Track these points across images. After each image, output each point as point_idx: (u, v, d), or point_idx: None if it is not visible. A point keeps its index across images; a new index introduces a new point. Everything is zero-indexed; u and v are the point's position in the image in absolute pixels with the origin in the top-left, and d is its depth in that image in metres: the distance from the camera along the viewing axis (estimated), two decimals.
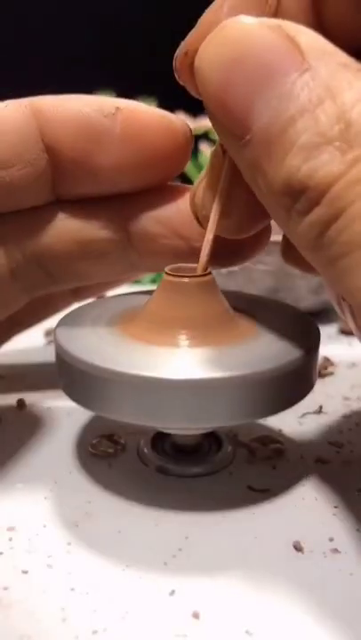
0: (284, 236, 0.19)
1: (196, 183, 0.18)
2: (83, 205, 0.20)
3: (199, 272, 0.19)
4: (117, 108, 0.18)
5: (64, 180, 0.19)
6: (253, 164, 0.14)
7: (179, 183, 0.20)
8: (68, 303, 0.28)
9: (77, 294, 0.28)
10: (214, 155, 0.17)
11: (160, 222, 0.20)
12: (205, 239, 0.18)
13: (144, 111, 0.18)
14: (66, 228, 0.20)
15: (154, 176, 0.19)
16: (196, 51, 0.15)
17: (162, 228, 0.20)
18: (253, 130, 0.14)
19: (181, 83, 0.17)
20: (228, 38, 0.14)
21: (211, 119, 0.16)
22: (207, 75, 0.15)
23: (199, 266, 0.19)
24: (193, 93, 0.17)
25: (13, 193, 0.18)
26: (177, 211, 0.20)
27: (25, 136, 0.18)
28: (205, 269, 0.19)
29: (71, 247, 0.20)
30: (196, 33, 0.16)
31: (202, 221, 0.18)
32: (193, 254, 0.19)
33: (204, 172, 0.18)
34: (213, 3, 0.16)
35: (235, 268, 0.35)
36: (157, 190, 0.20)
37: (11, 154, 0.18)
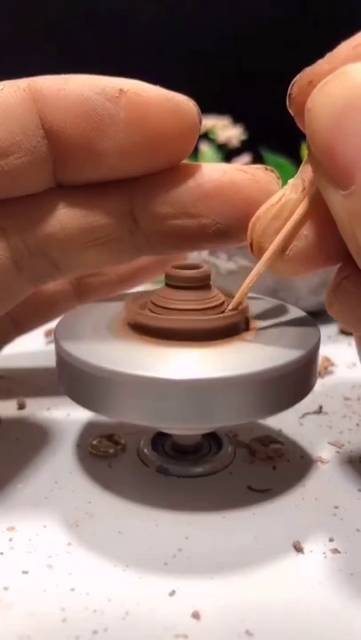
0: (331, 290, 0.18)
1: (263, 208, 0.18)
2: (86, 191, 0.19)
3: (234, 303, 0.19)
4: (121, 91, 0.17)
5: (65, 167, 0.18)
6: (355, 214, 0.14)
7: (186, 162, 0.19)
8: (72, 306, 0.28)
9: (81, 297, 0.28)
10: (292, 188, 0.17)
11: (168, 203, 0.19)
12: (254, 270, 0.18)
13: (149, 93, 0.17)
14: (69, 215, 0.19)
15: (160, 160, 0.18)
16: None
17: (170, 209, 0.19)
18: (359, 182, 0.14)
19: (291, 111, 0.17)
20: (348, 84, 0.14)
21: (312, 160, 0.16)
22: (318, 116, 0.15)
23: (238, 295, 0.19)
24: (301, 126, 0.17)
25: (12, 181, 0.18)
26: (186, 189, 0.19)
27: (24, 122, 0.17)
28: (240, 303, 0.19)
29: (76, 235, 0.19)
30: (326, 65, 0.16)
31: (255, 248, 0.18)
32: (202, 232, 0.19)
33: (274, 198, 0.17)
34: (355, 36, 0.15)
35: (234, 268, 0.35)
36: (164, 171, 0.19)
37: (9, 142, 0.17)
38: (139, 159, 0.18)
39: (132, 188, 0.19)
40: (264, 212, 0.18)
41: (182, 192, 0.19)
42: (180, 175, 0.19)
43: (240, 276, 0.35)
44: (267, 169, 0.19)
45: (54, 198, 0.19)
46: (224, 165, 0.19)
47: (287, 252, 0.17)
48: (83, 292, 0.28)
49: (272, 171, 0.19)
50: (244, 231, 0.19)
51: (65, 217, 0.19)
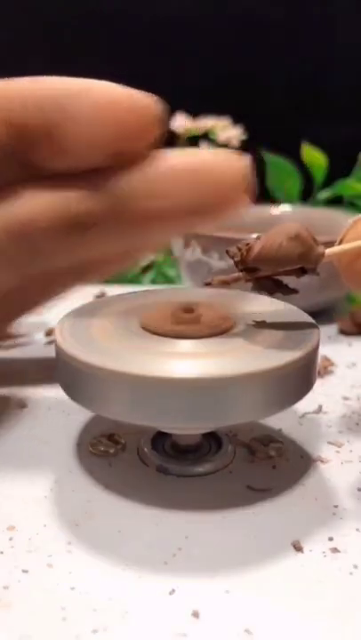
0: None
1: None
2: (62, 179, 0.20)
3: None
4: (87, 90, 0.19)
5: (34, 160, 0.19)
6: None
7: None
8: (70, 285, 0.28)
9: (80, 276, 0.28)
10: None
11: (142, 186, 0.20)
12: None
13: (112, 91, 0.19)
14: (47, 203, 0.20)
15: (126, 152, 0.19)
16: None
17: (144, 191, 0.20)
18: None
19: None
20: None
21: None
22: None
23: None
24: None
25: None
26: (158, 172, 0.20)
27: None
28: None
29: (55, 222, 0.20)
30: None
31: None
32: (176, 212, 0.20)
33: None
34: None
35: (225, 267, 0.35)
36: (136, 157, 0.20)
37: None
38: (104, 152, 0.19)
39: (106, 175, 0.20)
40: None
41: (155, 175, 0.20)
42: (152, 160, 0.20)
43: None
44: (238, 153, 0.20)
45: (30, 188, 0.20)
46: (194, 149, 0.21)
47: None
48: (80, 271, 0.28)
49: (239, 154, 0.20)
50: (217, 209, 0.20)
51: (43, 205, 0.20)
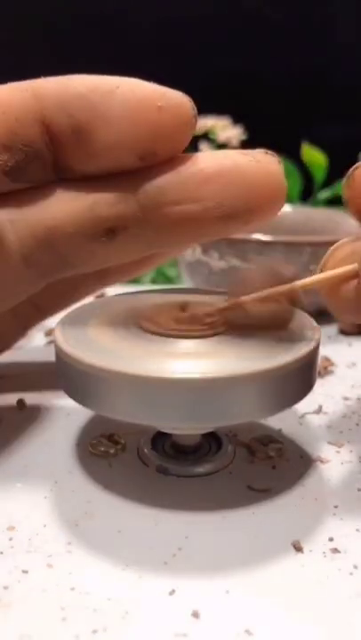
0: None
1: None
2: (91, 182, 0.19)
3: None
4: (116, 87, 0.18)
5: (65, 161, 0.19)
6: None
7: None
8: (93, 290, 0.28)
9: (102, 279, 0.27)
10: None
11: (171, 189, 0.19)
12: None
13: (143, 89, 0.18)
14: (75, 206, 0.19)
15: (158, 153, 0.19)
16: None
17: (174, 195, 0.19)
18: None
19: (346, 193, 0.19)
20: None
21: None
22: None
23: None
24: (353, 212, 0.19)
25: (11, 175, 0.19)
26: (188, 175, 0.19)
27: (24, 119, 0.18)
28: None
29: (83, 226, 0.19)
30: None
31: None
32: (207, 216, 0.19)
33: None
34: None
35: (225, 267, 0.35)
36: (166, 160, 0.19)
37: (8, 137, 0.18)
38: (135, 153, 0.19)
39: (135, 178, 0.19)
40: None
41: (185, 177, 0.19)
42: (182, 162, 0.19)
43: (231, 275, 0.36)
44: (267, 152, 0.19)
45: (58, 190, 0.19)
46: (225, 151, 0.19)
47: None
48: (102, 272, 0.27)
49: (273, 154, 0.19)
50: (248, 212, 0.19)
51: (72, 208, 0.19)
